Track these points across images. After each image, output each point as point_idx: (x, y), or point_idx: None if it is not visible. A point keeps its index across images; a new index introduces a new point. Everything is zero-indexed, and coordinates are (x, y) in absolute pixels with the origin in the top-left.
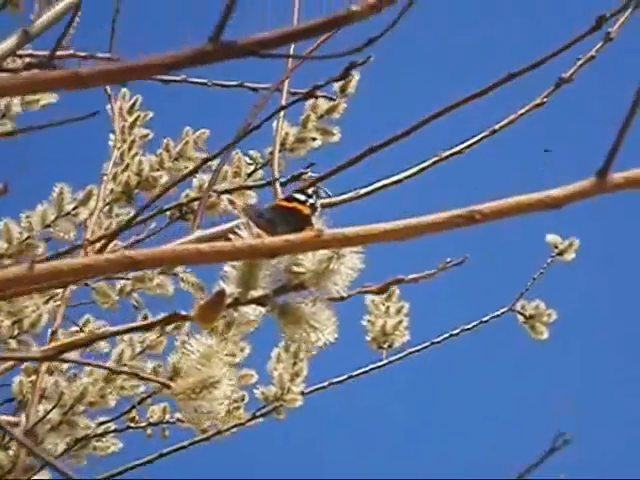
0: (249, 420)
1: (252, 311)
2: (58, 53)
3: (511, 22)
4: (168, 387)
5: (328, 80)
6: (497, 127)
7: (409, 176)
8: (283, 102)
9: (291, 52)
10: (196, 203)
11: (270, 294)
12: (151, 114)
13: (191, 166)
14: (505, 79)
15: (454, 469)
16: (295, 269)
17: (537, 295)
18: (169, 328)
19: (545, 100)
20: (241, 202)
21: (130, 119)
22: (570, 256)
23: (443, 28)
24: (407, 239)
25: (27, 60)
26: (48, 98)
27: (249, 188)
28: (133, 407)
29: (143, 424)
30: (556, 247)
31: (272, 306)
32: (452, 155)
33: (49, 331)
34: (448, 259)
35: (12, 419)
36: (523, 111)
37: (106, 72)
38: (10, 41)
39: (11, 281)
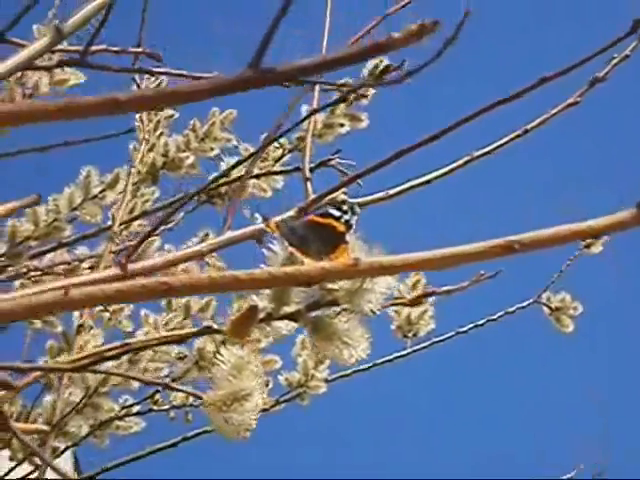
0: (272, 406)
1: (285, 326)
2: (91, 49)
3: (556, 27)
4: (200, 398)
5: (361, 84)
6: (529, 127)
7: (440, 176)
8: (315, 99)
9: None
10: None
11: (303, 310)
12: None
13: (217, 147)
14: (538, 83)
15: (476, 459)
16: (329, 286)
17: (564, 288)
18: (194, 310)
19: (579, 100)
20: (274, 221)
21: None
22: (598, 249)
23: (481, 30)
24: (444, 269)
25: (60, 57)
26: (76, 78)
27: (276, 174)
28: (157, 391)
29: (166, 407)
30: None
31: (305, 322)
32: (484, 155)
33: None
34: (482, 271)
35: (25, 426)
36: (556, 111)
37: (145, 98)
38: (43, 40)
39: (46, 306)
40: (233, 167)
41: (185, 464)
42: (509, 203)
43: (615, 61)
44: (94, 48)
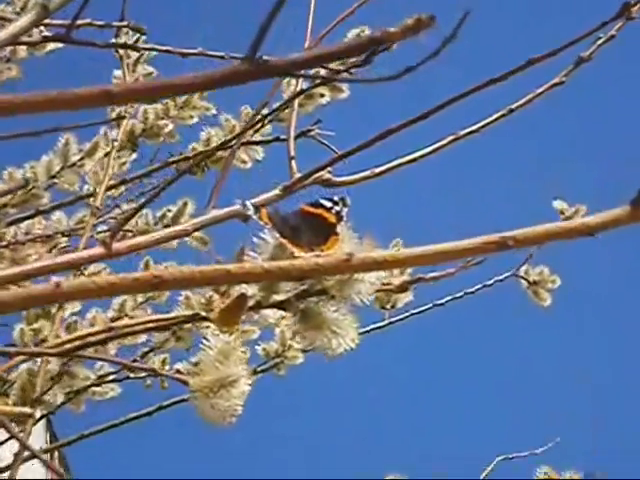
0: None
1: (273, 314)
2: (76, 23)
3: (548, 18)
4: (186, 384)
5: (347, 67)
6: (514, 107)
7: (426, 154)
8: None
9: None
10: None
11: (292, 298)
12: (155, 53)
13: (196, 115)
14: (524, 65)
15: (454, 430)
16: None
17: (543, 262)
18: None
19: (564, 79)
20: (266, 210)
21: (134, 56)
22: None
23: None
24: (437, 264)
25: (44, 32)
26: (54, 44)
27: (257, 144)
28: (135, 361)
29: (142, 374)
30: (562, 213)
31: (294, 310)
32: (469, 134)
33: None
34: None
35: (6, 409)
36: (541, 90)
37: (137, 90)
38: (28, 17)
39: (37, 299)
40: (218, 148)
41: (161, 432)
42: (495, 181)
43: (600, 41)
44: (79, 22)
